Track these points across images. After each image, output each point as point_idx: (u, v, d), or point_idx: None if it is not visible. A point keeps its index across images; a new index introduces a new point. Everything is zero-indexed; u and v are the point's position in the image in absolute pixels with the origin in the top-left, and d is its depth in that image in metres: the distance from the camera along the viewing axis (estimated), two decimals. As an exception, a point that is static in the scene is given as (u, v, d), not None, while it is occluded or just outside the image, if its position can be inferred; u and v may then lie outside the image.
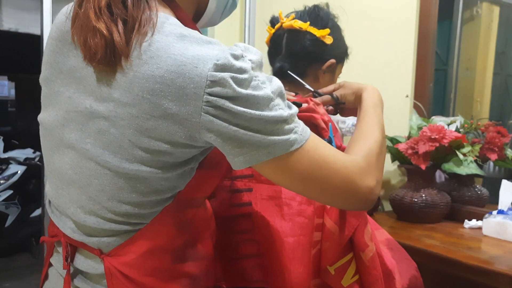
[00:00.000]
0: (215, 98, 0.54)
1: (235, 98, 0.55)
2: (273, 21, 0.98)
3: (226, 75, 0.54)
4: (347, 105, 0.88)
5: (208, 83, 0.54)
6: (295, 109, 0.60)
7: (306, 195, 0.67)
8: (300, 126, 0.60)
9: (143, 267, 0.63)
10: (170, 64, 0.54)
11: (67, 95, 0.63)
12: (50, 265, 0.73)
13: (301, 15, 0.94)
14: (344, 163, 0.62)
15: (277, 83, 0.59)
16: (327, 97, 0.89)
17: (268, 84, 0.58)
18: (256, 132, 0.56)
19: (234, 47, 0.57)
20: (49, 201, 0.72)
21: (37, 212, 3.61)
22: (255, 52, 0.59)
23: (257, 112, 0.55)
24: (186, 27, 0.59)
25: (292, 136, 0.58)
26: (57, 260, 0.71)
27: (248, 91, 0.55)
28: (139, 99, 0.55)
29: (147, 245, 0.63)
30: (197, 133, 0.56)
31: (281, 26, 0.94)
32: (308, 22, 0.91)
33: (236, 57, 0.56)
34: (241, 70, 0.55)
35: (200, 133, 0.56)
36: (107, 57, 0.56)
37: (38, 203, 3.57)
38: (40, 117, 0.69)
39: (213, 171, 0.70)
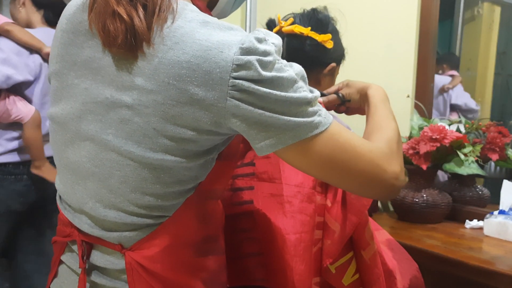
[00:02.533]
0: (241, 81, 0.54)
1: (260, 81, 0.55)
2: (270, 25, 0.98)
3: (252, 58, 0.54)
4: (352, 104, 0.88)
5: (234, 67, 0.54)
6: (317, 93, 0.60)
7: (331, 181, 0.66)
8: (323, 110, 0.60)
9: (166, 261, 0.63)
10: (196, 49, 0.54)
11: (83, 86, 0.61)
12: (61, 262, 0.72)
13: (301, 19, 0.93)
14: (369, 147, 0.62)
15: (299, 67, 0.60)
16: (333, 96, 0.89)
17: (290, 67, 0.58)
18: (281, 114, 0.56)
19: (257, 32, 0.57)
20: (60, 197, 0.71)
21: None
22: (276, 37, 0.60)
23: (282, 94, 0.55)
24: (206, 14, 0.59)
25: (316, 118, 0.58)
26: (70, 257, 0.70)
27: (273, 73, 0.55)
28: (164, 86, 0.55)
29: (170, 238, 0.63)
30: (222, 118, 0.56)
31: (280, 30, 0.94)
32: (309, 28, 0.91)
33: (260, 40, 0.56)
34: (266, 53, 0.55)
35: (225, 118, 0.56)
36: (128, 42, 0.56)
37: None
38: (50, 112, 0.67)
39: (229, 162, 0.70)
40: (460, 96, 1.85)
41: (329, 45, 0.91)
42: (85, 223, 0.66)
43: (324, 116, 0.59)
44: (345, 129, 0.61)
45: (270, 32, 0.60)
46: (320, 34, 0.91)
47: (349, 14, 1.02)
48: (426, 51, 1.64)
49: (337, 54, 0.97)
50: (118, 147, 0.59)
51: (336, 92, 0.89)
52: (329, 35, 0.91)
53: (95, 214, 0.64)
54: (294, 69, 0.58)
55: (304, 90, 0.58)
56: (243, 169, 0.85)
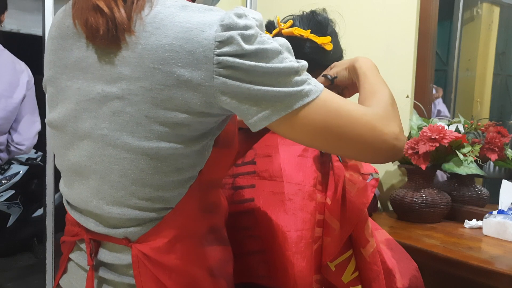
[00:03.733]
0: (225, 57, 0.55)
1: (244, 55, 0.55)
2: (269, 26, 0.98)
3: (234, 33, 0.55)
4: (344, 82, 0.86)
5: (217, 44, 0.55)
6: (304, 63, 0.60)
7: (330, 149, 0.64)
8: (312, 79, 0.60)
9: (173, 252, 0.64)
10: (177, 31, 0.56)
11: (75, 87, 0.63)
12: (69, 260, 0.73)
13: (300, 22, 0.94)
14: (364, 111, 0.62)
15: (283, 39, 0.61)
16: (321, 78, 0.87)
17: (273, 40, 0.59)
18: (270, 86, 0.56)
19: (236, 8, 0.58)
20: (67, 201, 0.72)
21: (39, 212, 3.61)
22: (256, 13, 0.60)
23: (268, 65, 0.56)
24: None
25: (306, 87, 0.58)
26: (78, 255, 0.71)
27: (256, 46, 0.56)
28: (150, 71, 0.56)
29: (175, 230, 0.64)
30: (212, 97, 0.57)
31: (279, 32, 0.94)
32: (309, 30, 0.91)
33: (240, 16, 0.57)
34: (247, 27, 0.56)
35: (215, 97, 0.57)
36: (110, 33, 0.57)
37: (40, 203, 3.58)
38: (48, 119, 0.69)
39: (228, 150, 0.70)
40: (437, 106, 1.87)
41: (329, 47, 0.92)
42: (91, 222, 0.67)
43: (314, 85, 0.59)
44: (338, 96, 0.61)
45: (250, 9, 0.61)
46: (319, 36, 0.91)
47: (349, 15, 1.02)
48: (425, 51, 1.64)
49: (336, 56, 0.97)
50: (114, 140, 0.60)
51: (324, 74, 0.87)
52: (329, 38, 0.92)
53: (100, 212, 0.65)
54: (278, 41, 0.59)
55: (290, 61, 0.58)
56: (244, 167, 0.85)
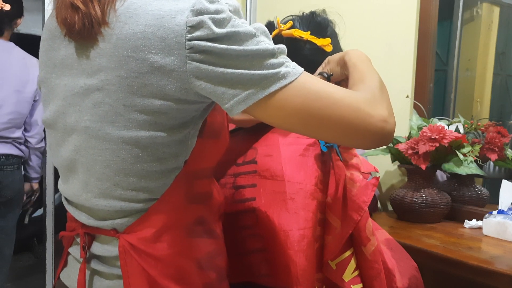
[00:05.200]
0: (197, 42, 0.55)
1: (216, 38, 0.55)
2: (269, 27, 0.98)
3: (204, 17, 0.55)
4: (338, 77, 0.83)
5: (188, 29, 0.55)
6: (283, 46, 0.59)
7: (313, 133, 0.62)
8: (291, 62, 0.59)
9: (159, 241, 0.64)
10: (149, 19, 0.56)
11: (63, 83, 0.65)
12: (69, 254, 0.75)
13: (300, 23, 0.94)
14: (348, 93, 0.60)
15: (259, 24, 0.60)
16: (317, 77, 0.86)
17: (248, 24, 0.59)
18: (245, 68, 0.56)
19: None
20: (65, 198, 0.74)
21: (39, 212, 3.61)
22: (232, 0, 0.60)
23: (241, 47, 0.56)
24: None
25: (283, 69, 0.57)
26: (75, 249, 0.73)
27: (228, 29, 0.56)
28: (125, 60, 0.57)
29: (161, 220, 0.64)
30: (186, 83, 0.57)
31: (279, 33, 0.94)
32: (309, 32, 0.91)
33: (212, 1, 0.57)
34: (218, 11, 0.56)
35: (189, 82, 0.57)
36: (86, 27, 0.59)
37: (40, 203, 3.58)
38: (43, 118, 0.70)
39: (214, 140, 0.70)
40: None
41: (328, 49, 0.92)
42: (83, 215, 0.68)
43: (293, 67, 0.58)
44: (320, 80, 0.60)
45: None
46: (319, 38, 0.91)
47: (349, 15, 1.02)
48: (425, 51, 1.64)
49: None
50: (96, 132, 0.61)
51: (320, 72, 0.87)
52: (329, 39, 0.91)
53: (89, 204, 0.66)
54: (253, 25, 0.59)
55: (266, 43, 0.58)
56: (245, 167, 0.85)
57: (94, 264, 0.68)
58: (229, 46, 0.55)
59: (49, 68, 0.67)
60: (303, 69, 0.59)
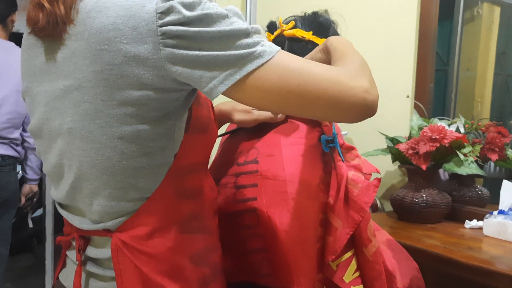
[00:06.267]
0: (168, 27, 0.55)
1: (187, 22, 0.55)
2: (271, 27, 0.98)
3: (173, 2, 0.55)
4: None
5: (158, 16, 0.55)
6: (257, 26, 0.59)
7: (295, 111, 0.61)
8: (267, 42, 0.59)
9: (152, 238, 0.64)
10: (118, 11, 0.56)
11: (43, 90, 0.64)
12: (67, 256, 0.75)
13: (302, 23, 0.94)
14: (327, 67, 0.59)
15: (232, 6, 0.60)
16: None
17: (220, 7, 0.58)
18: (220, 50, 0.56)
19: None
20: (58, 203, 0.74)
21: (39, 212, 3.61)
22: None
23: (214, 29, 0.56)
24: None
25: (259, 48, 0.57)
26: (72, 252, 0.73)
27: (199, 12, 0.56)
28: (98, 53, 0.57)
29: (153, 217, 0.64)
30: (162, 70, 0.57)
31: (281, 33, 0.94)
32: (311, 32, 0.91)
33: None
34: None
35: (166, 69, 0.57)
36: (50, 25, 0.59)
37: (39, 204, 3.58)
38: (29, 129, 0.70)
39: (201, 135, 0.70)
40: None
41: None
42: (76, 220, 0.69)
43: (269, 46, 0.58)
44: (298, 57, 0.60)
45: None
46: (321, 38, 0.91)
47: (349, 15, 1.02)
48: (425, 51, 1.64)
49: None
50: (79, 132, 0.61)
51: None
52: None
53: (81, 206, 0.67)
54: (225, 8, 0.59)
55: (239, 24, 0.57)
56: (246, 166, 0.85)
57: (90, 267, 0.68)
58: (201, 29, 0.55)
59: (30, 77, 0.67)
60: (279, 47, 0.59)
